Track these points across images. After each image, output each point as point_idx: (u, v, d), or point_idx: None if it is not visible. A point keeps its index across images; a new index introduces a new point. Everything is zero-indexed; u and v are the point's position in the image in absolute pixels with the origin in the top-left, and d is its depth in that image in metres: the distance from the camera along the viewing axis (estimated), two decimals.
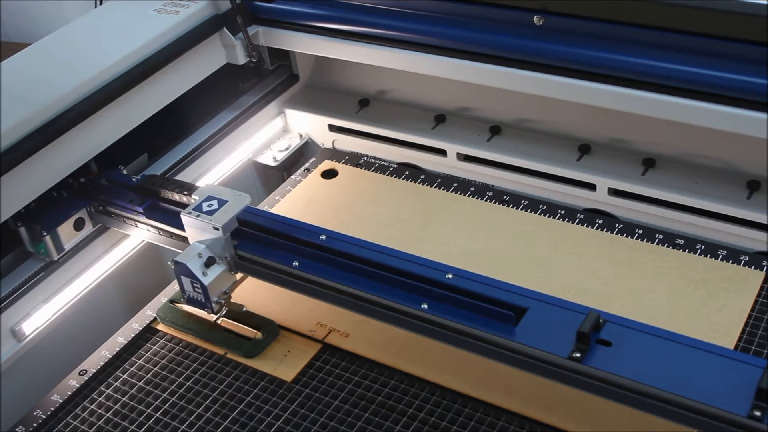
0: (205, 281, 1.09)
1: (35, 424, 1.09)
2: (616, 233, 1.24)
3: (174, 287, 1.26)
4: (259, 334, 1.15)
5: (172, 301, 1.22)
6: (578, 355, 0.89)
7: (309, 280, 1.07)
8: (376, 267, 1.03)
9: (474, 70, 1.27)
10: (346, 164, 1.46)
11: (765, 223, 1.19)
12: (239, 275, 1.15)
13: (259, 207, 1.39)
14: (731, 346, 1.05)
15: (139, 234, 1.25)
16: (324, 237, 1.07)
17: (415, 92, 1.51)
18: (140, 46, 1.26)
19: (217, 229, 1.08)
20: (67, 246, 1.23)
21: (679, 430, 0.88)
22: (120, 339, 1.19)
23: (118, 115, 1.25)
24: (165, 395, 1.10)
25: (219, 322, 1.16)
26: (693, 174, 1.27)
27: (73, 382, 1.14)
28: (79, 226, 1.24)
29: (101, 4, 2.53)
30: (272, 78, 1.57)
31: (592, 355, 0.89)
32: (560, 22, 1.19)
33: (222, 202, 1.11)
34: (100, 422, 1.08)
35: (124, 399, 1.11)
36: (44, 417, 1.09)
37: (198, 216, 1.09)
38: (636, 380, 0.86)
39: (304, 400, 1.07)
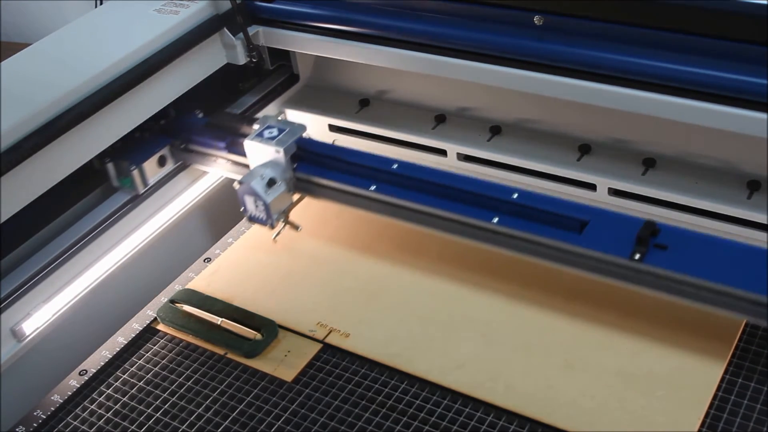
0: (267, 199, 1.20)
1: (35, 424, 1.09)
2: None
3: (174, 287, 1.26)
4: (258, 335, 1.15)
5: (172, 301, 1.22)
6: (638, 256, 1.01)
7: (384, 202, 1.19)
8: (448, 188, 1.14)
9: (474, 70, 1.27)
10: None
11: (765, 223, 1.19)
12: (297, 196, 1.27)
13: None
14: (731, 347, 1.05)
15: (219, 170, 1.35)
16: (396, 165, 1.19)
17: (415, 92, 1.51)
18: (140, 46, 1.26)
19: (278, 152, 1.20)
20: (151, 181, 1.32)
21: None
22: (120, 339, 1.19)
23: (119, 116, 1.25)
24: (165, 395, 1.10)
25: (220, 323, 1.17)
26: (693, 174, 1.27)
27: (73, 382, 1.14)
28: (162, 162, 1.34)
29: (101, 4, 2.53)
30: (272, 78, 1.57)
31: (651, 256, 1.01)
32: (560, 22, 1.19)
33: (281, 130, 1.23)
34: (100, 422, 1.08)
35: (124, 399, 1.11)
36: (44, 417, 1.09)
37: (261, 140, 1.21)
38: (692, 275, 0.98)
39: (304, 400, 1.07)
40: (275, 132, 1.23)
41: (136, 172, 1.29)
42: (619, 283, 1.04)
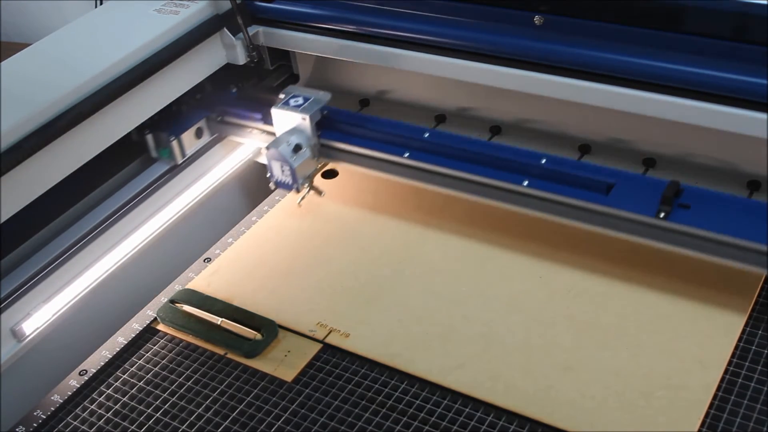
0: (294, 164, 1.27)
1: (35, 424, 1.09)
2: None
3: (174, 287, 1.26)
4: (258, 335, 1.15)
5: (172, 301, 1.22)
6: (663, 214, 1.07)
7: (412, 167, 1.27)
8: (478, 155, 1.22)
9: (474, 70, 1.27)
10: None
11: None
12: (321, 162, 1.34)
13: (259, 207, 1.40)
14: (731, 346, 1.05)
15: (254, 140, 1.41)
16: (427, 134, 1.27)
17: (415, 92, 1.51)
18: (140, 46, 1.26)
19: (304, 119, 1.28)
20: (189, 152, 1.39)
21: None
22: (120, 339, 1.19)
23: (119, 115, 1.25)
24: (165, 395, 1.10)
25: (220, 323, 1.17)
26: (693, 174, 1.27)
27: (73, 382, 1.14)
28: (199, 134, 1.41)
29: (101, 4, 2.53)
30: (272, 78, 1.57)
31: (675, 215, 1.08)
32: (560, 22, 1.19)
33: (306, 98, 1.31)
34: (100, 422, 1.08)
35: (124, 399, 1.11)
36: (44, 417, 1.09)
37: (287, 108, 1.29)
38: (714, 231, 1.05)
39: (304, 400, 1.07)
40: (300, 100, 1.30)
41: (175, 143, 1.35)
42: (644, 241, 1.11)
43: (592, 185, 1.13)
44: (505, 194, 1.20)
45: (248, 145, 1.46)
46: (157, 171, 1.36)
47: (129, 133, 1.29)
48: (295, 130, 1.30)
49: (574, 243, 1.23)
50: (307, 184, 1.33)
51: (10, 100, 1.16)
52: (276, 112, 1.31)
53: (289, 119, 1.30)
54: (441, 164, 1.23)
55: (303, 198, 1.35)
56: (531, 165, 1.18)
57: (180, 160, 1.38)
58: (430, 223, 1.31)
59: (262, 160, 1.54)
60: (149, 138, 1.35)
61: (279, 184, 1.32)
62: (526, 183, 1.17)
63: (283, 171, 1.29)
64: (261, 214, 1.38)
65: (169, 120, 1.37)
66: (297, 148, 1.28)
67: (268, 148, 1.29)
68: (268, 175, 1.31)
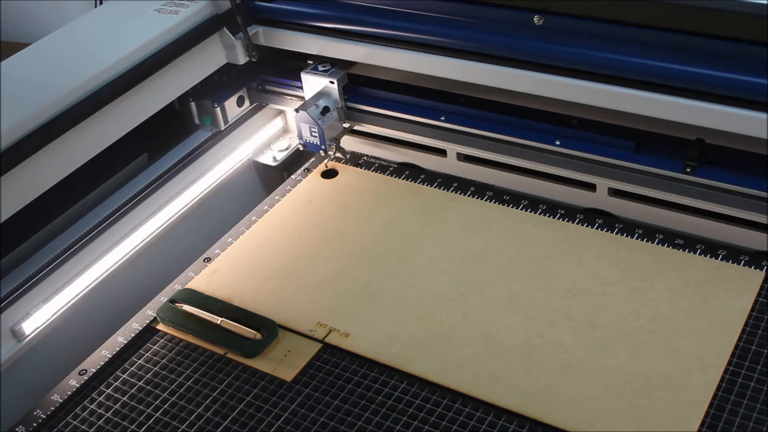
0: (322, 126, 1.37)
1: (35, 424, 1.09)
2: (616, 233, 1.24)
3: (174, 287, 1.26)
4: (258, 335, 1.15)
5: (172, 300, 1.22)
6: (689, 170, 1.17)
7: (447, 129, 1.37)
8: (514, 118, 1.32)
9: (474, 70, 1.27)
10: (346, 164, 1.46)
11: (765, 223, 1.19)
12: (347, 124, 1.44)
13: (259, 207, 1.40)
14: (731, 346, 1.05)
15: (291, 107, 1.49)
16: (463, 99, 1.36)
17: None
18: (140, 46, 1.27)
19: (332, 82, 1.39)
20: (231, 119, 1.47)
21: None
22: (120, 339, 1.19)
23: (118, 115, 1.25)
24: (165, 395, 1.10)
25: (220, 323, 1.17)
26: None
27: (73, 382, 1.14)
28: (240, 102, 1.49)
29: (101, 4, 2.53)
30: None
31: (700, 170, 1.18)
32: (560, 22, 1.19)
33: (334, 64, 1.42)
34: (100, 422, 1.08)
35: (124, 399, 1.11)
36: (44, 417, 1.09)
37: (316, 73, 1.40)
38: (736, 185, 1.16)
39: (304, 400, 1.07)
40: (328, 66, 1.41)
41: (218, 110, 1.44)
42: (671, 196, 1.22)
43: (621, 143, 1.22)
44: (537, 154, 1.29)
45: (286, 112, 1.56)
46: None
47: (172, 104, 1.36)
48: (322, 94, 1.40)
49: (574, 243, 1.24)
50: (333, 146, 1.41)
51: (10, 100, 1.16)
52: (305, 77, 1.41)
53: (318, 83, 1.40)
54: (468, 125, 1.32)
55: (328, 160, 1.43)
56: (561, 127, 1.27)
57: (223, 126, 1.45)
58: (430, 223, 1.31)
59: (262, 159, 1.55)
60: (193, 105, 1.43)
61: (307, 146, 1.41)
62: (558, 143, 1.26)
63: (311, 133, 1.38)
64: (261, 214, 1.38)
65: (213, 89, 1.46)
66: (325, 111, 1.37)
67: (297, 110, 1.38)
68: (297, 136, 1.41)
